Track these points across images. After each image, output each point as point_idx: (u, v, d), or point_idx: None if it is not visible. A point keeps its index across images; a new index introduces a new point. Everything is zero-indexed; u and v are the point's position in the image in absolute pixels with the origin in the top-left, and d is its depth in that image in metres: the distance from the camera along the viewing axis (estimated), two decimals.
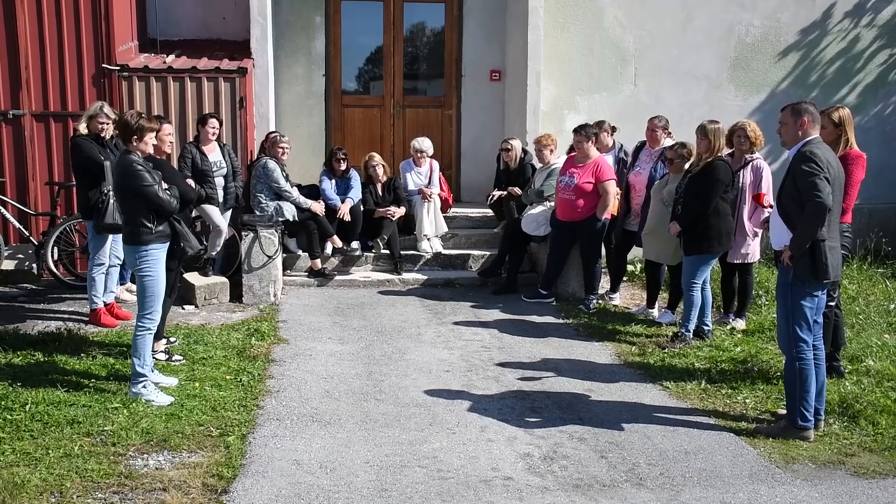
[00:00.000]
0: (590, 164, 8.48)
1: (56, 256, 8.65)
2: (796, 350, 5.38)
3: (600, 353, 7.27)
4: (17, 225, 8.82)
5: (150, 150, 5.90)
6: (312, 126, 11.11)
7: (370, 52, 11.33)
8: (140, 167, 5.72)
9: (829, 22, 11.33)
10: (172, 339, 6.99)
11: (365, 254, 9.56)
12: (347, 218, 9.25)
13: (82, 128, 7.50)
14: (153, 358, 6.44)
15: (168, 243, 5.90)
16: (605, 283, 9.10)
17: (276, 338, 7.36)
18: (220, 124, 8.71)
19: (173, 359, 6.57)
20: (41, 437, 5.18)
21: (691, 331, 7.43)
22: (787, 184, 5.33)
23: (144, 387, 5.81)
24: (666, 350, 7.23)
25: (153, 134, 5.83)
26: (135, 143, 5.77)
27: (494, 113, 11.32)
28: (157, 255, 5.80)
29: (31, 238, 8.83)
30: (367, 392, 6.17)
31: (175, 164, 8.41)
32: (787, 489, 4.78)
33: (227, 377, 6.31)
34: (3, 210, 8.77)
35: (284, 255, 9.41)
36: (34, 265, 8.86)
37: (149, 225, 5.73)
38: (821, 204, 5.07)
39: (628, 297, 9.19)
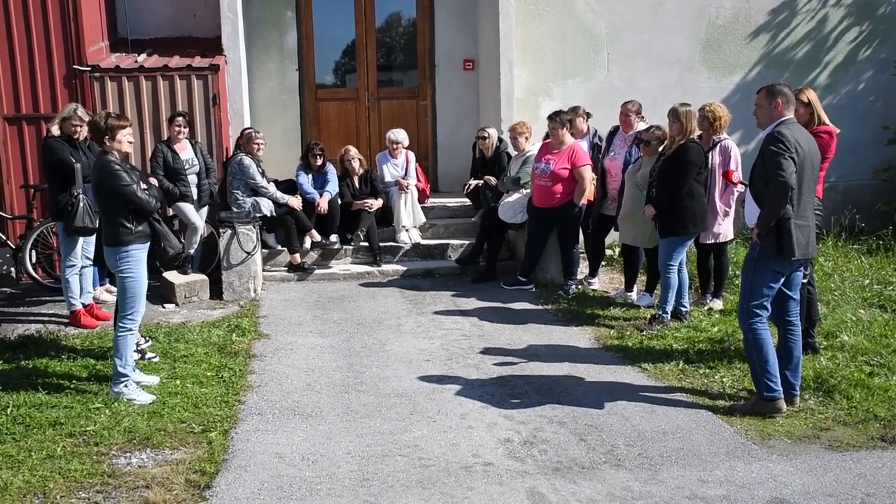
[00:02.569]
0: (565, 150, 8.53)
1: (34, 259, 8.63)
2: (749, 322, 5.48)
3: (579, 337, 7.33)
4: None
5: (127, 149, 5.90)
6: (287, 121, 11.10)
7: (343, 45, 11.32)
8: (117, 167, 5.72)
9: (798, 2, 11.39)
10: (147, 339, 6.99)
11: (344, 247, 9.58)
12: (325, 211, 9.26)
13: (55, 129, 7.49)
14: None
15: (148, 243, 5.91)
16: (584, 269, 9.17)
17: (256, 333, 7.38)
18: (189, 123, 8.69)
19: (146, 357, 6.57)
20: (23, 439, 5.19)
21: (669, 312, 7.51)
22: (758, 164, 5.41)
23: (126, 386, 5.82)
24: (644, 332, 7.31)
25: (125, 131, 5.82)
26: (108, 143, 5.77)
27: (469, 102, 11.35)
28: (137, 256, 5.81)
29: (9, 242, 8.80)
30: (349, 384, 6.21)
31: (144, 164, 8.40)
32: (762, 465, 4.86)
33: (209, 374, 6.33)
34: None
35: (264, 250, 9.42)
36: (12, 269, 8.82)
37: (128, 225, 5.74)
38: (784, 183, 5.15)
39: (607, 282, 9.26)
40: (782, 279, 5.47)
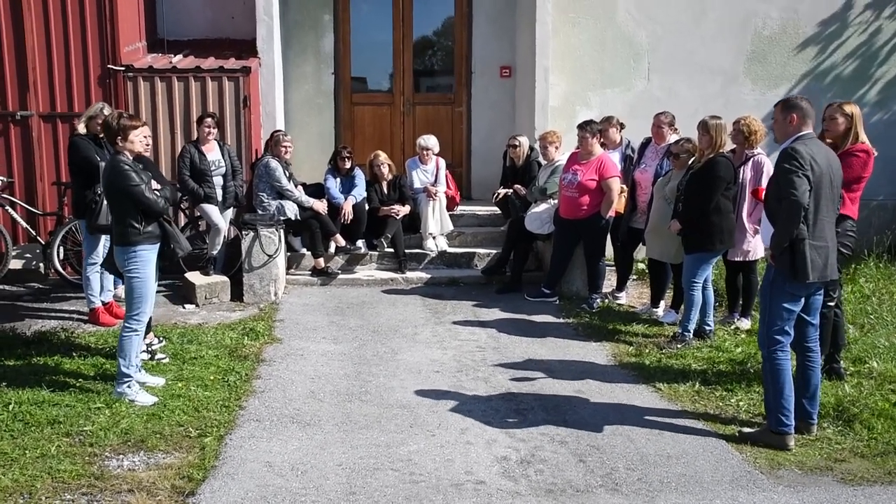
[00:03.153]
0: (593, 160, 8.34)
1: (62, 256, 8.73)
2: (769, 349, 5.23)
3: (597, 353, 7.14)
4: (25, 225, 8.92)
5: (140, 149, 5.90)
6: (322, 124, 11.09)
7: (380, 50, 11.24)
8: (127, 167, 5.72)
9: (850, 13, 11.05)
10: (160, 339, 6.99)
11: (370, 252, 9.51)
12: (350, 215, 9.21)
13: (81, 128, 7.54)
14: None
15: (158, 244, 5.90)
16: (613, 282, 8.96)
17: (270, 337, 7.34)
18: (218, 124, 8.71)
19: (156, 358, 6.57)
20: (21, 436, 5.20)
21: (691, 331, 7.27)
22: (772, 181, 5.19)
23: (129, 387, 5.82)
24: (664, 351, 7.08)
25: (138, 131, 5.82)
26: (121, 144, 5.77)
27: (505, 110, 11.21)
28: (146, 257, 5.80)
29: (39, 238, 8.93)
30: (353, 393, 6.11)
31: (173, 164, 8.44)
32: (767, 496, 4.63)
33: (215, 377, 6.29)
34: (11, 211, 8.87)
35: (289, 253, 9.41)
36: (41, 264, 8.95)
37: (137, 225, 5.73)
38: (795, 202, 4.91)
39: (636, 297, 9.03)
40: (801, 302, 5.21)
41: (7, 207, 8.86)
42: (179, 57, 9.81)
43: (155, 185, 5.92)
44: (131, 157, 5.79)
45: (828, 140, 5.91)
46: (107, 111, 7.60)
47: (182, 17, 10.60)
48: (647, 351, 7.10)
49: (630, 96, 10.93)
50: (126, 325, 5.85)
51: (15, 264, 8.93)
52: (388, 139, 11.26)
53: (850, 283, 8.73)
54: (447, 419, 5.65)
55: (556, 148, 9.06)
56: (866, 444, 5.31)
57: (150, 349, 6.68)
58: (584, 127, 8.38)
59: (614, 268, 9.05)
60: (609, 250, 9.05)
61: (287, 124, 10.78)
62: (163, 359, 6.62)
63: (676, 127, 8.45)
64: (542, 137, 9.14)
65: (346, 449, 5.16)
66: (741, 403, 5.97)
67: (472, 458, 5.06)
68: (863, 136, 6.03)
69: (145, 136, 6.07)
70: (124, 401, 5.74)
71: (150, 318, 6.94)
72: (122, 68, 9.06)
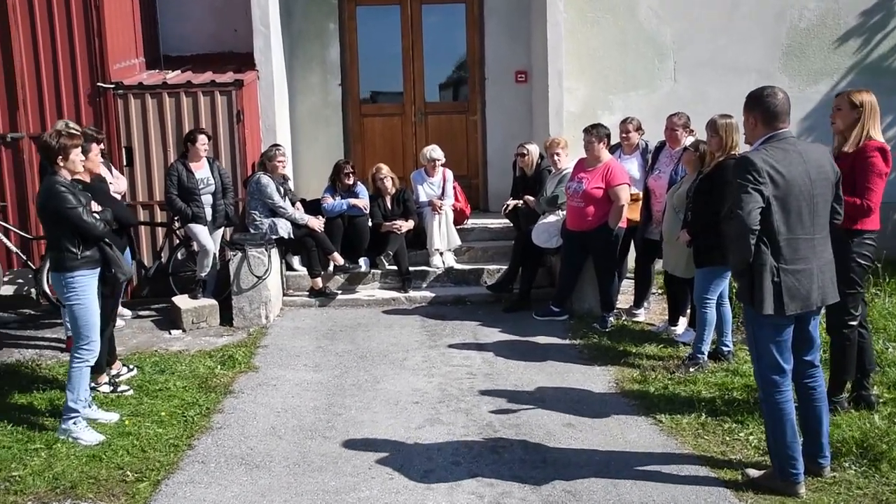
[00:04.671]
0: (600, 167, 7.70)
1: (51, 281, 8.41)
2: (764, 391, 4.52)
3: (598, 379, 6.48)
4: (16, 251, 8.65)
5: (80, 169, 5.49)
6: (330, 137, 10.65)
7: (388, 58, 10.74)
8: (63, 188, 5.30)
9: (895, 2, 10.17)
10: (130, 369, 6.59)
11: (372, 271, 8.99)
12: (320, 229, 8.68)
13: None
14: (97, 391, 6.09)
15: (98, 269, 5.47)
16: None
17: (247, 365, 6.87)
18: (209, 139, 8.31)
19: (118, 390, 6.15)
20: None
21: (706, 353, 6.58)
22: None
23: (75, 423, 5.39)
24: (674, 375, 6.39)
25: (79, 150, 5.41)
26: (61, 164, 5.36)
27: (521, 117, 10.57)
28: (84, 283, 5.38)
29: (30, 262, 8.64)
30: (317, 428, 5.58)
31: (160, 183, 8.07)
32: None
33: (174, 411, 5.85)
34: (3, 238, 8.60)
35: (288, 273, 8.97)
36: (32, 290, 8.66)
37: (74, 250, 5.32)
38: (739, 222, 4.20)
39: (657, 313, 8.31)
40: (788, 331, 4.44)
41: None
42: (176, 73, 9.47)
43: (95, 206, 5.51)
44: (69, 178, 5.38)
45: (836, 135, 5.20)
46: (72, 126, 7.29)
47: (184, 32, 10.27)
48: (653, 376, 6.41)
49: (655, 98, 10.22)
50: (74, 355, 5.43)
51: (6, 290, 8.65)
52: (400, 151, 10.75)
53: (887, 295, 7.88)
54: (411, 459, 5.08)
55: (566, 155, 8.44)
56: (893, 489, 4.56)
57: (113, 381, 6.28)
58: (590, 131, 7.75)
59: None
60: (632, 263, 8.40)
61: (293, 138, 10.38)
62: (126, 391, 6.20)
63: (693, 129, 7.76)
64: (548, 144, 8.52)
65: (289, 496, 4.64)
66: (751, 438, 5.25)
67: None
68: (875, 132, 5.25)
69: (97, 156, 5.71)
70: (67, 440, 5.32)
71: (115, 349, 6.59)
72: (112, 86, 8.74)
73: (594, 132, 7.74)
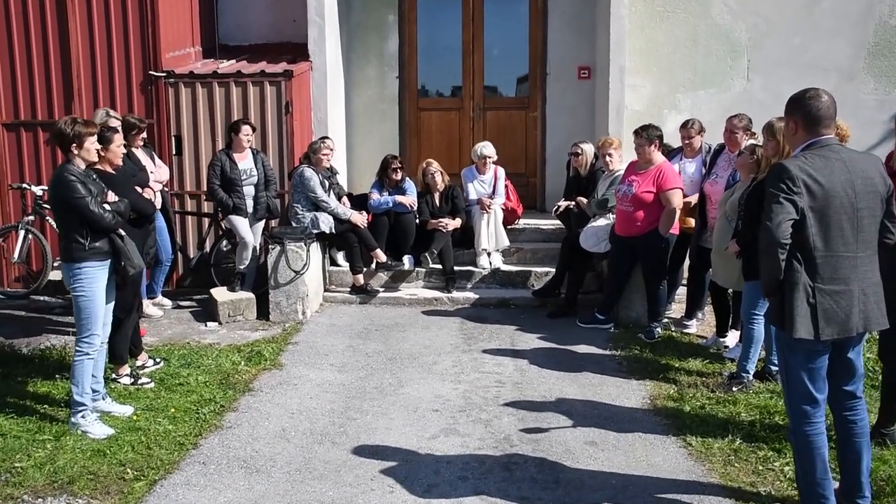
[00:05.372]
0: (651, 170, 7.29)
1: None
2: (791, 419, 4.10)
3: (633, 393, 6.11)
4: None
5: (94, 158, 5.40)
6: (385, 131, 10.46)
7: (448, 52, 10.48)
8: (73, 178, 5.20)
9: None
10: (157, 362, 6.53)
11: (417, 269, 8.77)
12: (363, 225, 8.50)
13: None
14: (118, 382, 6.04)
15: (108, 261, 5.37)
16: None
17: (272, 362, 6.73)
18: (253, 130, 8.21)
19: (140, 382, 6.08)
20: None
21: (751, 371, 6.13)
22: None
23: (83, 416, 5.33)
24: (715, 394, 5.98)
25: (94, 138, 5.33)
26: (75, 152, 5.28)
27: (583, 114, 10.18)
28: (92, 274, 5.28)
29: None
30: (328, 433, 5.39)
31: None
32: None
33: (189, 407, 5.73)
34: (53, 223, 8.69)
35: (332, 268, 8.82)
36: None
37: (82, 240, 5.23)
38: (768, 234, 3.80)
39: (711, 325, 7.83)
40: (823, 358, 4.03)
41: (48, 218, 8.69)
42: (230, 62, 9.43)
43: (112, 196, 5.42)
44: (83, 167, 5.30)
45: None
46: (113, 114, 7.31)
47: (243, 21, 10.25)
48: (691, 394, 6.00)
49: (726, 98, 9.70)
50: (77, 348, 5.35)
51: (55, 275, 8.74)
52: (457, 146, 10.48)
53: None
54: (417, 472, 4.83)
55: (619, 156, 8.04)
56: None
57: (135, 373, 6.22)
58: (641, 133, 7.34)
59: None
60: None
61: (349, 131, 10.25)
62: (147, 383, 6.13)
63: (754, 132, 7.26)
64: (600, 144, 8.14)
65: None
66: (786, 469, 4.81)
67: None
68: None
69: (119, 147, 5.66)
70: (76, 432, 5.26)
71: (140, 339, 6.54)
72: (163, 74, 8.74)
73: (644, 134, 7.33)
